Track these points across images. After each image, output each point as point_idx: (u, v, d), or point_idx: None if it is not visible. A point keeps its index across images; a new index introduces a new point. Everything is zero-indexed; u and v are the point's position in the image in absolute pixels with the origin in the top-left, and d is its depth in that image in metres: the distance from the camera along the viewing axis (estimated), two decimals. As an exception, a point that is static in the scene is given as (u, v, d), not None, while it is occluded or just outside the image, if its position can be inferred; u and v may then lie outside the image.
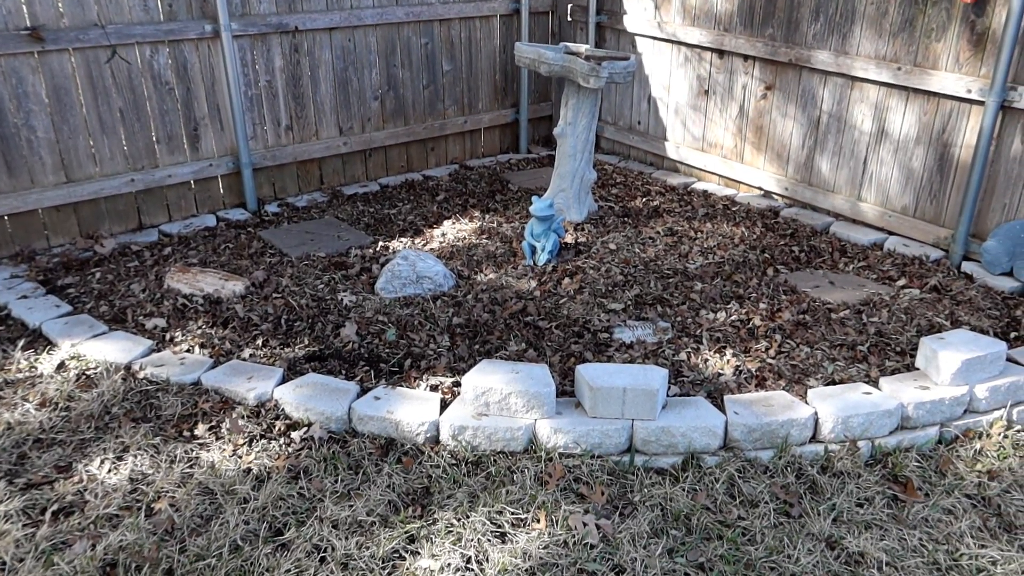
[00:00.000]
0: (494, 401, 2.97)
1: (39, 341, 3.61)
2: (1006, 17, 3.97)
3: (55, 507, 2.65)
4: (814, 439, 3.04)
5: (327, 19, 5.18)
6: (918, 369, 3.32)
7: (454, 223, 4.98)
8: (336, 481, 2.80)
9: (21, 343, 3.56)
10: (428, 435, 2.98)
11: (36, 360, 3.45)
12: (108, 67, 4.49)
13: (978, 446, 3.05)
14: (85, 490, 2.74)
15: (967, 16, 4.20)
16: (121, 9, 4.44)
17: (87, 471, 2.83)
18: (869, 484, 2.85)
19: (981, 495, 2.83)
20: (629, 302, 3.95)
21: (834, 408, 3.02)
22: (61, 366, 3.41)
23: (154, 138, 4.77)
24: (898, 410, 3.06)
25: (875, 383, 3.26)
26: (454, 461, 2.90)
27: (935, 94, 4.43)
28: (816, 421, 3.02)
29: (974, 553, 2.57)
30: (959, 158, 4.41)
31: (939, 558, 2.55)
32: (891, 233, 4.79)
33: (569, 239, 4.68)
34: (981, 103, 4.23)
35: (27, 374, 3.36)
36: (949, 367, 3.14)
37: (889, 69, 4.54)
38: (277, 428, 3.05)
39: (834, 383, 3.28)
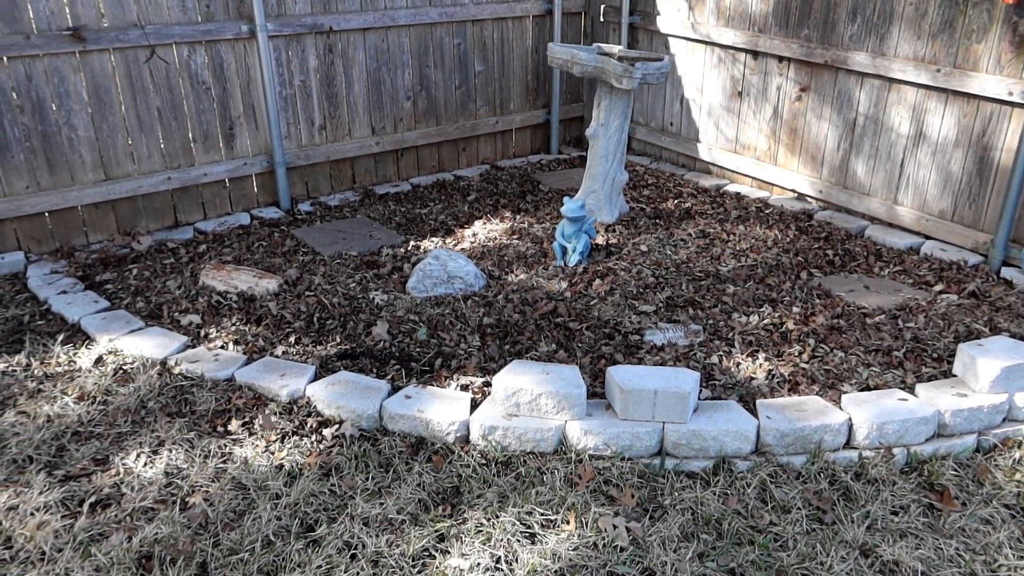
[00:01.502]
0: (524, 402, 2.97)
1: (78, 336, 3.68)
2: (1050, 18, 3.89)
3: (93, 499, 2.70)
4: (848, 445, 3.00)
5: (361, 19, 5.22)
6: (955, 376, 3.26)
7: (485, 223, 4.99)
8: (367, 479, 2.82)
9: (60, 337, 3.64)
10: (458, 434, 2.99)
11: (75, 354, 3.52)
12: (147, 67, 4.57)
13: (1017, 455, 2.99)
14: (122, 483, 2.79)
15: (1009, 17, 4.12)
16: (160, 10, 4.52)
17: (124, 464, 2.87)
18: (904, 492, 2.80)
19: (1020, 505, 2.77)
20: (660, 304, 3.93)
21: (869, 414, 2.97)
22: (99, 360, 3.48)
23: (190, 137, 4.84)
24: (935, 417, 3.01)
25: (911, 389, 3.21)
26: (484, 461, 2.91)
27: (975, 96, 4.35)
28: (850, 427, 2.98)
29: (1013, 565, 2.52)
30: (999, 161, 4.33)
31: (976, 569, 2.50)
32: (928, 237, 4.71)
33: (600, 240, 4.67)
34: (1023, 106, 4.14)
35: (66, 368, 3.43)
36: (988, 374, 3.08)
37: (928, 71, 4.47)
38: (309, 425, 3.08)
39: (869, 389, 3.23)
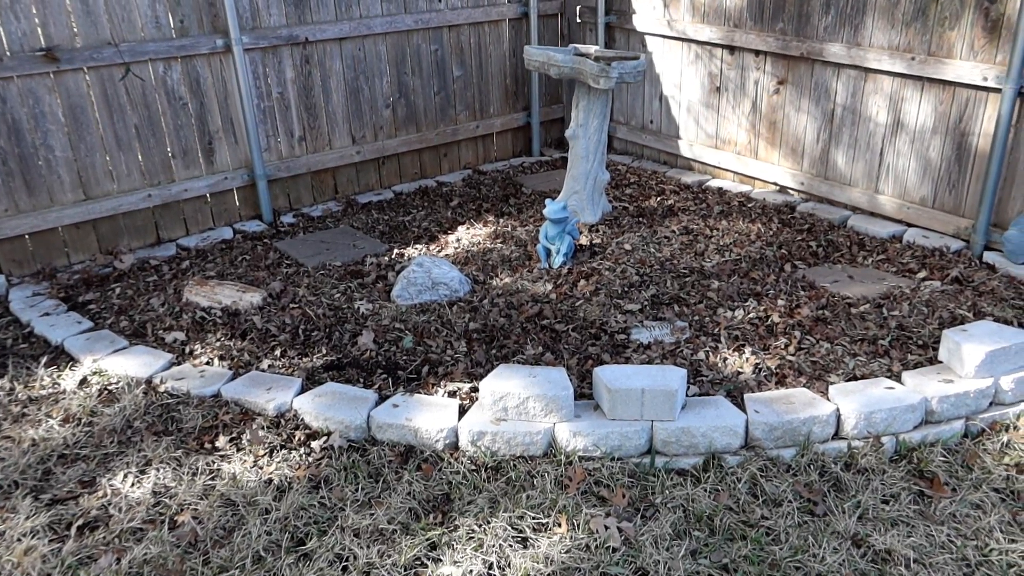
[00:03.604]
0: (512, 406, 2.96)
1: (61, 357, 3.65)
2: (1021, 2, 3.91)
3: (80, 522, 2.68)
4: (837, 436, 3.00)
5: (337, 29, 5.20)
6: (941, 362, 3.28)
7: (468, 228, 4.98)
8: (357, 490, 2.81)
9: (44, 360, 3.60)
10: (447, 441, 2.98)
11: (59, 376, 3.49)
12: (122, 85, 4.54)
13: (1005, 439, 3.00)
14: (109, 504, 2.76)
15: (981, 3, 4.15)
16: (133, 27, 4.49)
17: (111, 485, 2.85)
18: (894, 480, 2.81)
19: (1009, 489, 2.78)
20: (646, 302, 3.93)
21: (856, 404, 2.98)
22: (83, 382, 3.45)
23: (170, 153, 4.81)
24: (922, 404, 3.02)
25: (898, 377, 3.22)
26: (474, 467, 2.90)
27: (951, 83, 4.38)
28: (838, 418, 2.99)
29: (1004, 548, 2.53)
30: (977, 147, 4.35)
31: (968, 554, 2.51)
32: (910, 225, 4.73)
33: (584, 241, 4.67)
34: (998, 91, 4.17)
35: (50, 390, 3.40)
36: (973, 359, 3.10)
37: (903, 59, 4.50)
38: (297, 438, 3.06)
39: (856, 379, 3.24)
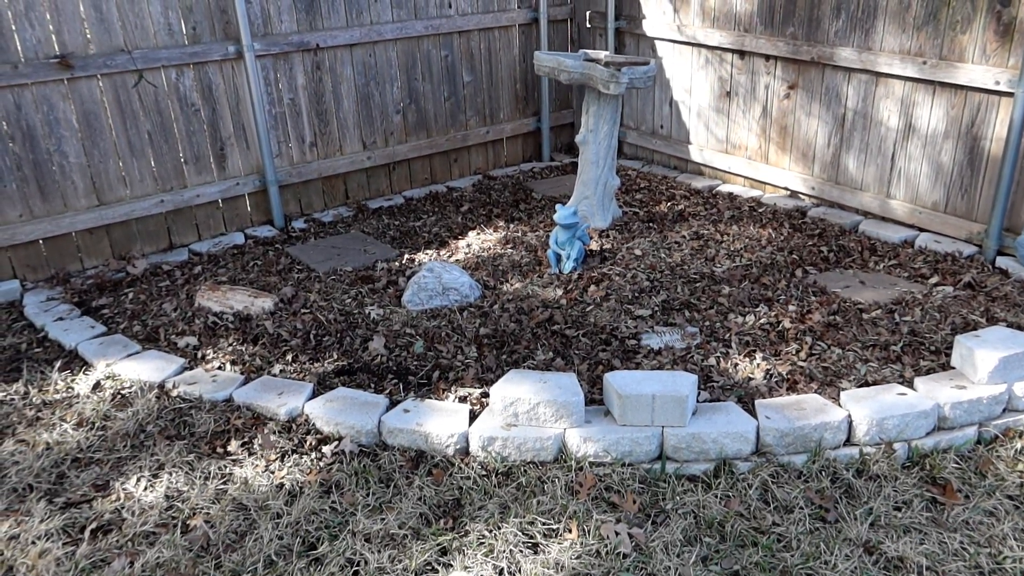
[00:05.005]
0: (523, 411, 2.97)
1: (75, 362, 3.68)
2: (1033, 7, 3.90)
3: (94, 525, 2.70)
4: (848, 442, 2.99)
5: (347, 35, 5.23)
6: (954, 368, 3.26)
7: (479, 233, 4.99)
8: (368, 495, 2.82)
9: (58, 364, 3.63)
10: (458, 447, 2.98)
11: (72, 381, 3.52)
12: (135, 91, 4.58)
13: (1019, 445, 2.98)
14: (122, 508, 2.78)
15: (992, 6, 4.13)
16: (146, 34, 4.53)
17: (124, 489, 2.87)
18: (907, 487, 2.80)
19: (1023, 496, 2.76)
20: (656, 308, 3.93)
21: (868, 410, 2.97)
22: (97, 386, 3.47)
23: (182, 159, 4.85)
24: (934, 410, 3.01)
25: (910, 384, 3.20)
26: (484, 472, 2.90)
27: (962, 87, 4.36)
28: (850, 424, 2.98)
29: (1018, 556, 2.51)
30: (990, 151, 4.33)
31: (981, 561, 2.49)
32: (922, 230, 4.71)
33: (594, 246, 4.67)
34: (1010, 94, 4.15)
35: (64, 395, 3.43)
36: (986, 365, 3.08)
37: (914, 63, 4.48)
38: (308, 443, 3.07)
39: (867, 385, 3.23)
